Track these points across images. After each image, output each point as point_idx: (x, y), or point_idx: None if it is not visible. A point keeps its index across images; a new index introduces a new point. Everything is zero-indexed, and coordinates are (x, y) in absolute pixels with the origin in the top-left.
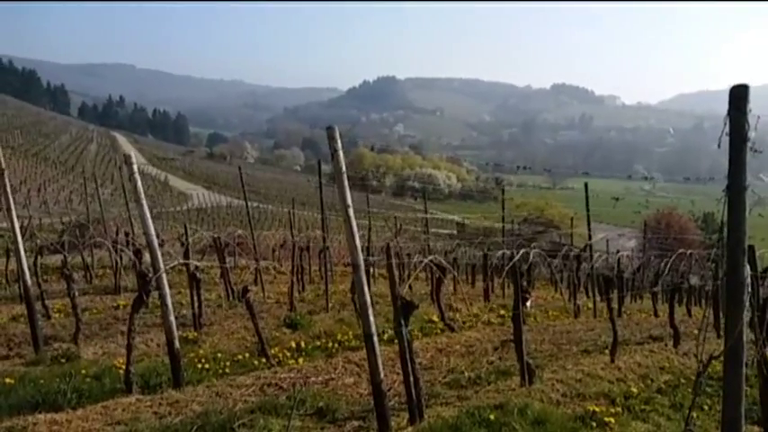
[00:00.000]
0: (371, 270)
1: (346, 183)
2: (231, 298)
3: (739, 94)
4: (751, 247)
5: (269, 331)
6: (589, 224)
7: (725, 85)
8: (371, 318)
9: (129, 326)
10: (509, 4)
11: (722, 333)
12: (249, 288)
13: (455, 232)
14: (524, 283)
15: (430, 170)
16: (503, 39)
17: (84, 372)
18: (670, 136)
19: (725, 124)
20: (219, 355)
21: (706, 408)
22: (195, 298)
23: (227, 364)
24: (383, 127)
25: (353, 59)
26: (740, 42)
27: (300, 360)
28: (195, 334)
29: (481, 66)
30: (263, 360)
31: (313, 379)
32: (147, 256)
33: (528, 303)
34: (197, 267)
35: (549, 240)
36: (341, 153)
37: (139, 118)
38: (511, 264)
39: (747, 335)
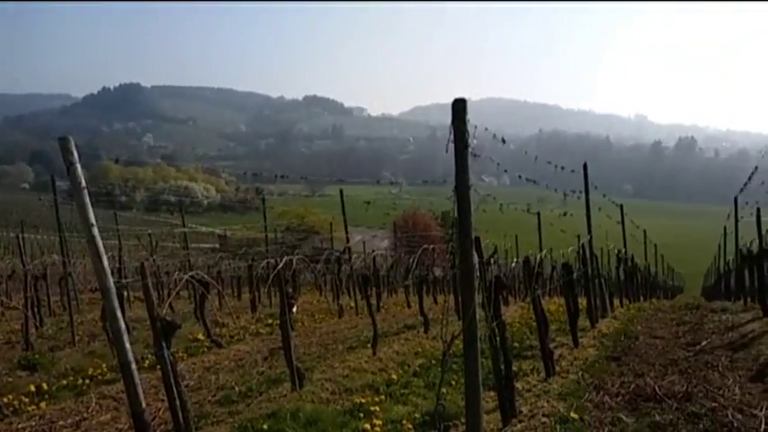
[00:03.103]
0: (126, 294)
1: (87, 199)
2: None
3: (459, 107)
4: (477, 238)
5: None
6: (346, 228)
7: (452, 98)
8: (127, 344)
9: None
10: (254, 13)
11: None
12: None
13: (218, 245)
14: (290, 290)
15: (186, 182)
16: (254, 48)
17: None
18: (410, 144)
19: (450, 133)
20: None
21: (453, 383)
22: None
23: None
24: (130, 138)
25: (89, 64)
26: (464, 60)
27: (43, 404)
28: None
29: (234, 76)
30: None
31: (61, 423)
32: None
33: (294, 309)
34: None
35: (312, 246)
36: (78, 166)
37: None
38: (275, 272)
39: (479, 314)
